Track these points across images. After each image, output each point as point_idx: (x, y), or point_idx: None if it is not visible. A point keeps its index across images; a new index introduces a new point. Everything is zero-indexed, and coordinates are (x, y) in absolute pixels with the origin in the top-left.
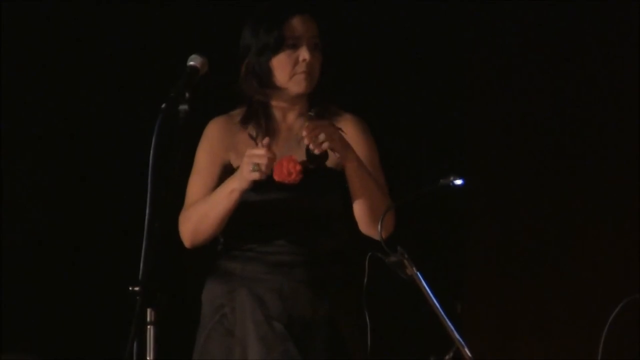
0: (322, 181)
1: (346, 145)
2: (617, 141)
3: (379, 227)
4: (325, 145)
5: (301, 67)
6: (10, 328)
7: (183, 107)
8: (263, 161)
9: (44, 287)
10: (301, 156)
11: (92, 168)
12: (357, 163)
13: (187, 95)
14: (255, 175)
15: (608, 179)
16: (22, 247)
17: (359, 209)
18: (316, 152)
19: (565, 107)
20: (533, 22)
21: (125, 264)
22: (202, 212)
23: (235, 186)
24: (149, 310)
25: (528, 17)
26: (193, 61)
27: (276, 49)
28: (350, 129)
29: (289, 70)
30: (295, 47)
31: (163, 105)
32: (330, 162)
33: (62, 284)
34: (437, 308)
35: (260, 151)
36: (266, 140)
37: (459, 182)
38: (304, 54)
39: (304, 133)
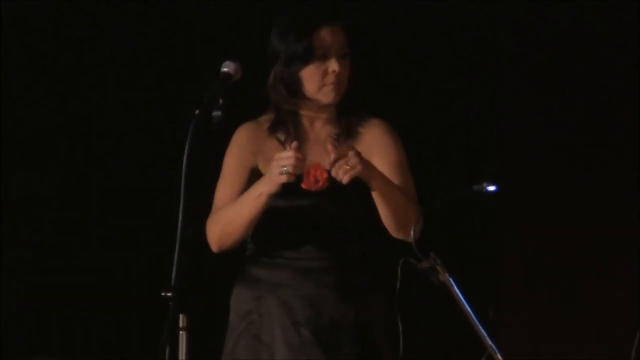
0: (349, 187)
1: (369, 167)
2: None
3: (411, 234)
4: (347, 178)
5: (330, 78)
6: (41, 335)
7: (216, 113)
8: (291, 162)
9: (67, 290)
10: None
11: (92, 168)
12: (381, 180)
13: (220, 101)
14: (284, 178)
15: None
16: (24, 253)
17: (386, 220)
18: (344, 181)
19: (604, 110)
20: (574, 23)
21: (123, 262)
22: (230, 216)
23: (263, 190)
24: (181, 316)
25: (569, 18)
26: (227, 67)
27: (305, 60)
28: (378, 134)
29: (317, 82)
30: (324, 58)
31: (197, 112)
32: None
33: (87, 288)
34: (470, 314)
35: (288, 153)
36: (294, 144)
37: (492, 188)
38: (333, 65)
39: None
